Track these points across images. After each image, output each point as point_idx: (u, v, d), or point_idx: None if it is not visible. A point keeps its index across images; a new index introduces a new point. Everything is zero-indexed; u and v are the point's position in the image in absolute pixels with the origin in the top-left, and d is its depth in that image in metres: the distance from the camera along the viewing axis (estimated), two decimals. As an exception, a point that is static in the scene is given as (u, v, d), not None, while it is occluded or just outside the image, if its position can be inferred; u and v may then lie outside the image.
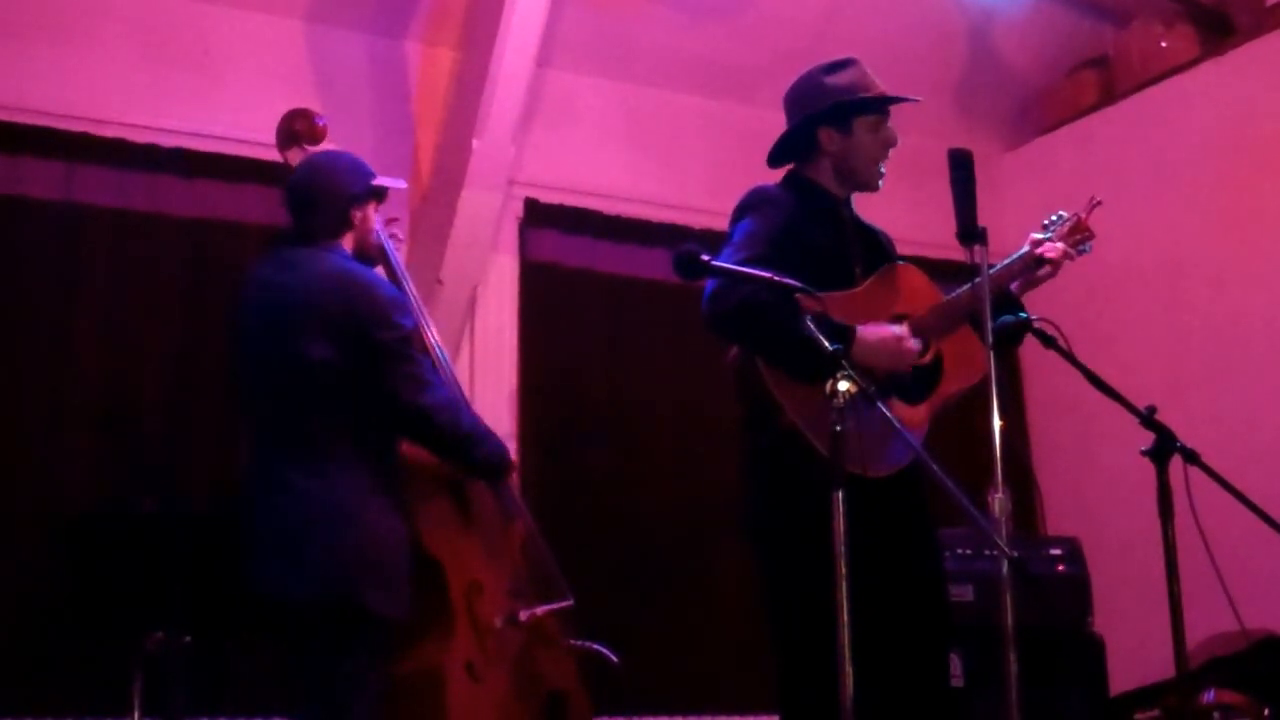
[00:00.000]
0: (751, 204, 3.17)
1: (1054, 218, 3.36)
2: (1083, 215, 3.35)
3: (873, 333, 2.99)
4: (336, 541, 2.92)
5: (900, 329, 3.05)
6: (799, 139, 3.25)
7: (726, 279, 2.93)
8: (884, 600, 2.86)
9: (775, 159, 3.33)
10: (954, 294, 3.17)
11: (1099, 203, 3.37)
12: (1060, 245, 3.26)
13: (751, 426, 3.10)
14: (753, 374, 2.97)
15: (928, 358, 3.14)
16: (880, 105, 3.21)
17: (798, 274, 2.71)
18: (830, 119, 3.20)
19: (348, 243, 3.19)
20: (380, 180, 3.29)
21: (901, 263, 3.27)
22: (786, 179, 3.30)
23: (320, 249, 3.13)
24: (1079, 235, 3.32)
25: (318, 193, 3.18)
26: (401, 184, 3.45)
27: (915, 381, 3.13)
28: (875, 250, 3.29)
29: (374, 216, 3.27)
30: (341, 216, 3.18)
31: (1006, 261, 3.24)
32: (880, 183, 3.25)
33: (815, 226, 3.15)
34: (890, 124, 3.23)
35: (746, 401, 3.08)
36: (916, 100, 3.23)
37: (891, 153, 3.24)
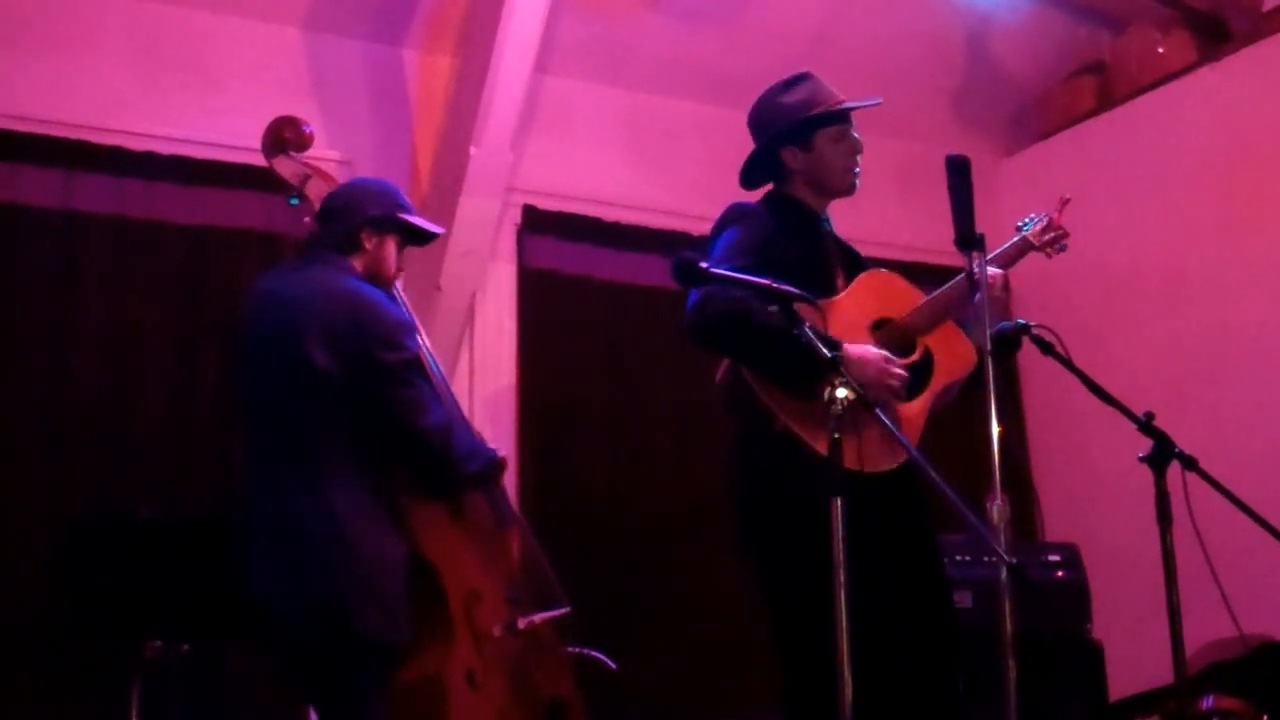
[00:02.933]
0: (731, 218, 3.19)
1: (1026, 220, 3.38)
2: (1054, 215, 3.36)
3: (859, 352, 3.00)
4: (334, 562, 2.88)
5: (886, 354, 3.06)
6: (765, 162, 3.28)
7: (713, 290, 2.93)
8: (888, 604, 2.86)
9: (747, 181, 3.35)
10: (935, 293, 3.21)
11: (1068, 200, 3.39)
12: (999, 272, 3.28)
13: (746, 439, 3.11)
14: (741, 385, 2.98)
15: (916, 355, 3.16)
16: (836, 117, 3.22)
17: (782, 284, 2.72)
18: (790, 138, 3.22)
19: (358, 264, 3.15)
20: (413, 219, 3.23)
21: (881, 269, 3.28)
22: (766, 198, 3.33)
23: (329, 266, 3.11)
24: (1052, 234, 3.33)
25: (339, 205, 3.19)
26: (437, 229, 3.35)
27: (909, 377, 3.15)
28: (853, 260, 3.33)
29: (393, 254, 3.21)
30: (351, 236, 3.15)
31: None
32: (855, 184, 3.27)
33: (794, 239, 3.17)
34: (855, 132, 3.25)
35: (738, 415, 3.09)
36: (876, 104, 3.25)
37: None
